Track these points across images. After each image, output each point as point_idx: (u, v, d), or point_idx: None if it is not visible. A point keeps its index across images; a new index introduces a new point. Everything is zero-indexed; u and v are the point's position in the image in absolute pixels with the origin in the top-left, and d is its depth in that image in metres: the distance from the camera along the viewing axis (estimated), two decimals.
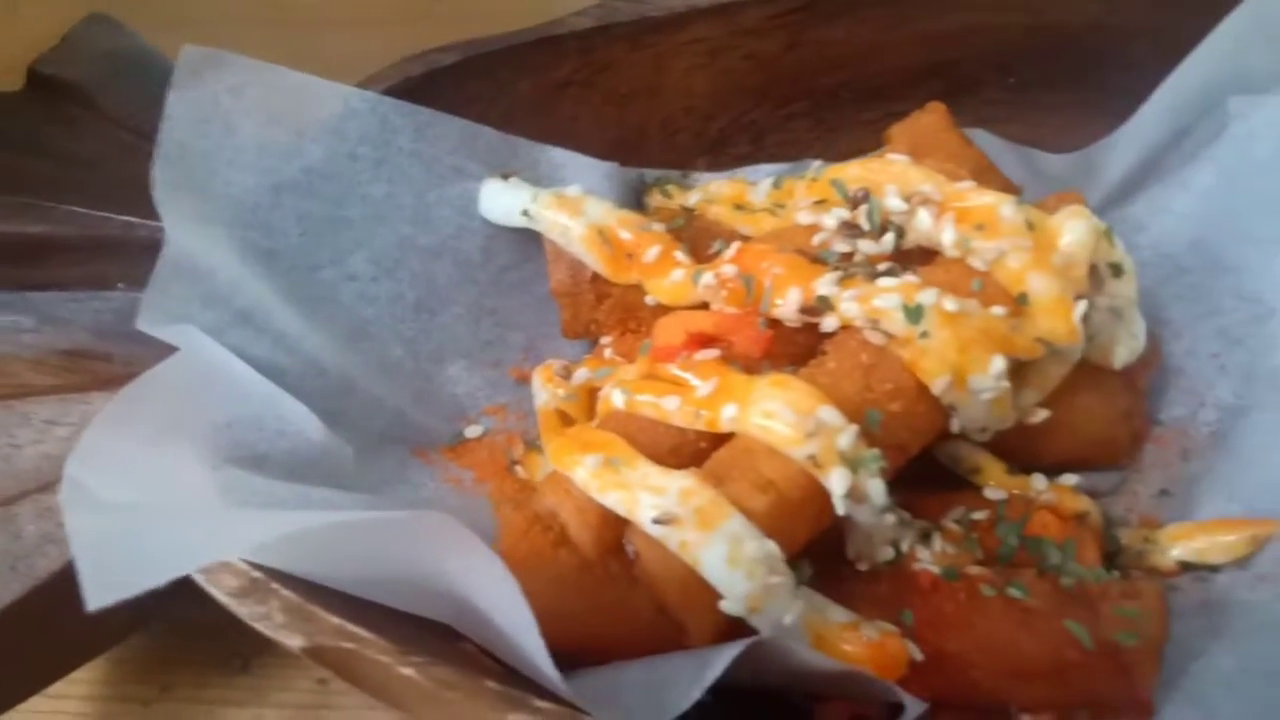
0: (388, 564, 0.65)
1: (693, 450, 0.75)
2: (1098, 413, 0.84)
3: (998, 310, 0.74)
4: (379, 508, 0.83)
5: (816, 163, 0.89)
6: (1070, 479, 0.85)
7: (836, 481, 0.68)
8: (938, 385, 0.73)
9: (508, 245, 0.98)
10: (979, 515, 0.82)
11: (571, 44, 0.93)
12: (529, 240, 0.97)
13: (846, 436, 0.69)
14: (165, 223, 0.81)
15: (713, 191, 0.95)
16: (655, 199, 1.01)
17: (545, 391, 0.92)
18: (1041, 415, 0.79)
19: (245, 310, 0.83)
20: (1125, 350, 0.81)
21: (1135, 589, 0.76)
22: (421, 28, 1.02)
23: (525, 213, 0.91)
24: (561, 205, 0.90)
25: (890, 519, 0.72)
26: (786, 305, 0.76)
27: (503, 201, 0.93)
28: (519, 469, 0.94)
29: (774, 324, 0.77)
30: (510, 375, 0.99)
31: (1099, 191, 0.96)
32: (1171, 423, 0.91)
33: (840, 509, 0.69)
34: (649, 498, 0.69)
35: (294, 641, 0.64)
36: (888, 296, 0.73)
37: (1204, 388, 0.90)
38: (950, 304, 0.73)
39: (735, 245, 0.81)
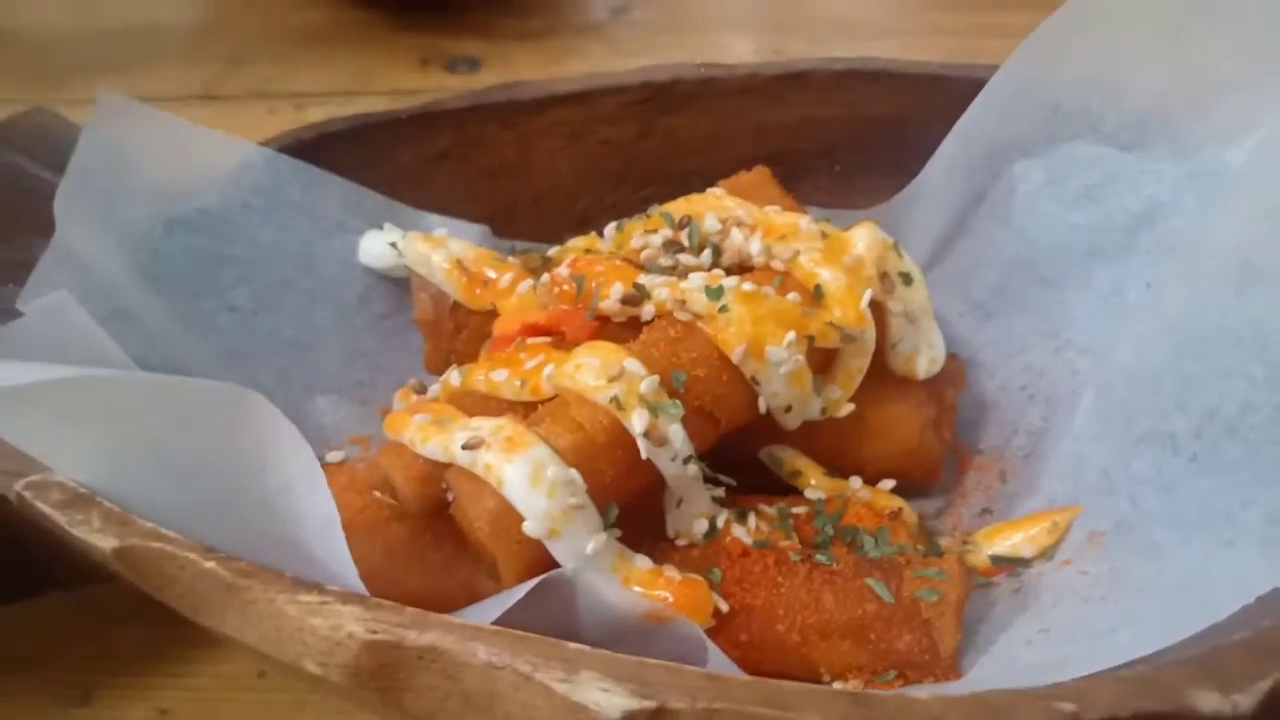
0: (203, 455, 0.67)
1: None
2: (907, 419, 0.90)
3: (793, 296, 0.83)
4: None
5: (653, 207, 1.00)
6: (887, 483, 0.90)
7: (636, 421, 0.74)
8: (736, 354, 0.80)
9: (384, 295, 1.07)
10: (799, 510, 0.86)
11: (447, 120, 1.07)
12: (404, 291, 1.06)
13: (648, 383, 0.76)
14: (58, 229, 0.90)
15: (569, 245, 1.05)
16: None
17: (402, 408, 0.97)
18: (847, 409, 0.86)
19: (122, 308, 0.90)
20: (926, 360, 0.90)
21: (936, 558, 0.80)
22: None
23: (393, 244, 1.00)
24: (427, 239, 1.00)
25: (693, 470, 0.77)
26: (610, 299, 0.84)
27: (377, 244, 1.03)
28: (376, 494, 0.97)
29: (601, 319, 0.85)
30: (378, 414, 1.04)
31: (920, 250, 1.08)
32: (990, 451, 0.98)
33: (642, 451, 0.75)
34: (464, 435, 0.74)
35: (107, 543, 0.67)
36: (694, 278, 0.82)
37: (1016, 417, 0.98)
38: (748, 286, 0.81)
39: (570, 257, 0.90)
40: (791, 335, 0.80)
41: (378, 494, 0.82)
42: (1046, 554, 0.85)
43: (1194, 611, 0.66)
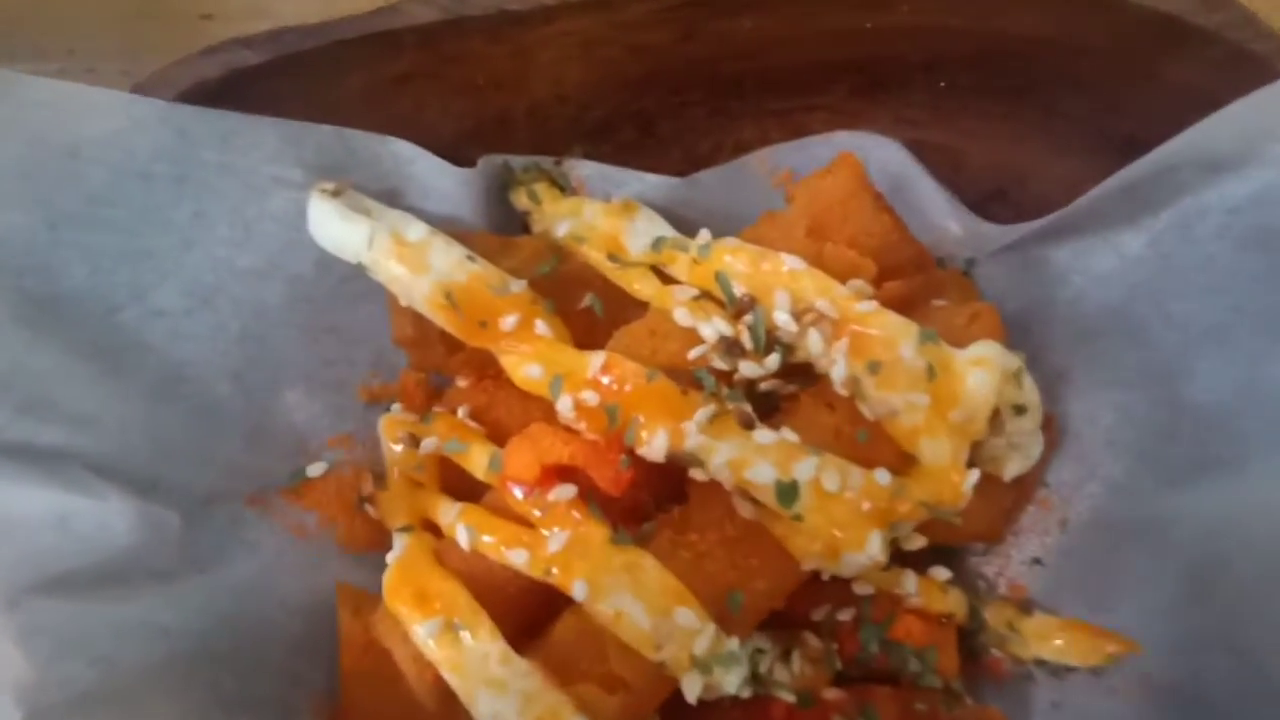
0: None
1: (541, 598, 0.69)
2: (979, 513, 0.79)
3: (882, 476, 0.67)
4: (210, 594, 0.77)
5: (703, 235, 0.75)
6: (942, 573, 0.82)
7: (689, 684, 0.64)
8: (808, 563, 0.67)
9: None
10: (844, 615, 0.79)
11: (410, 38, 0.75)
12: None
13: (703, 640, 0.64)
14: None
15: (586, 223, 0.81)
16: (522, 200, 0.86)
17: (392, 450, 0.82)
18: (919, 543, 0.75)
19: (26, 401, 0.71)
20: (1016, 467, 0.76)
21: (982, 716, 0.76)
22: None
23: (361, 265, 0.77)
24: (403, 256, 0.76)
25: (746, 692, 0.68)
26: (653, 447, 0.67)
27: (333, 233, 0.78)
28: (369, 508, 0.87)
29: (636, 458, 0.69)
30: (358, 398, 0.89)
31: (1020, 230, 0.85)
32: (1058, 487, 0.87)
33: (692, 701, 0.66)
34: (487, 697, 0.64)
35: None
36: (762, 468, 0.65)
37: (1095, 459, 0.86)
38: (829, 480, 0.65)
39: (600, 359, 0.70)
40: (878, 542, 0.67)
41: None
42: (1094, 670, 0.81)
43: None
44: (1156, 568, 0.79)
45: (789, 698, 0.74)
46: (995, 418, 0.70)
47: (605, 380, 0.69)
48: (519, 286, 0.76)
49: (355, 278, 0.85)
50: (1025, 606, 0.85)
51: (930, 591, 0.81)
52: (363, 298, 0.86)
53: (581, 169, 0.88)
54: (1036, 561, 0.88)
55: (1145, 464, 0.83)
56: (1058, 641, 0.82)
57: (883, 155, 0.86)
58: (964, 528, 0.81)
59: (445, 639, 0.66)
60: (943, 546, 0.85)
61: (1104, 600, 0.82)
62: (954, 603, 0.81)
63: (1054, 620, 0.83)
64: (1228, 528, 0.74)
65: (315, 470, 0.86)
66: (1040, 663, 0.83)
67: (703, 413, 0.67)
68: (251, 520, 0.83)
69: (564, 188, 0.87)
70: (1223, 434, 0.79)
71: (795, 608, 0.79)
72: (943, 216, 0.88)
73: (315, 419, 0.87)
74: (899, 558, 0.81)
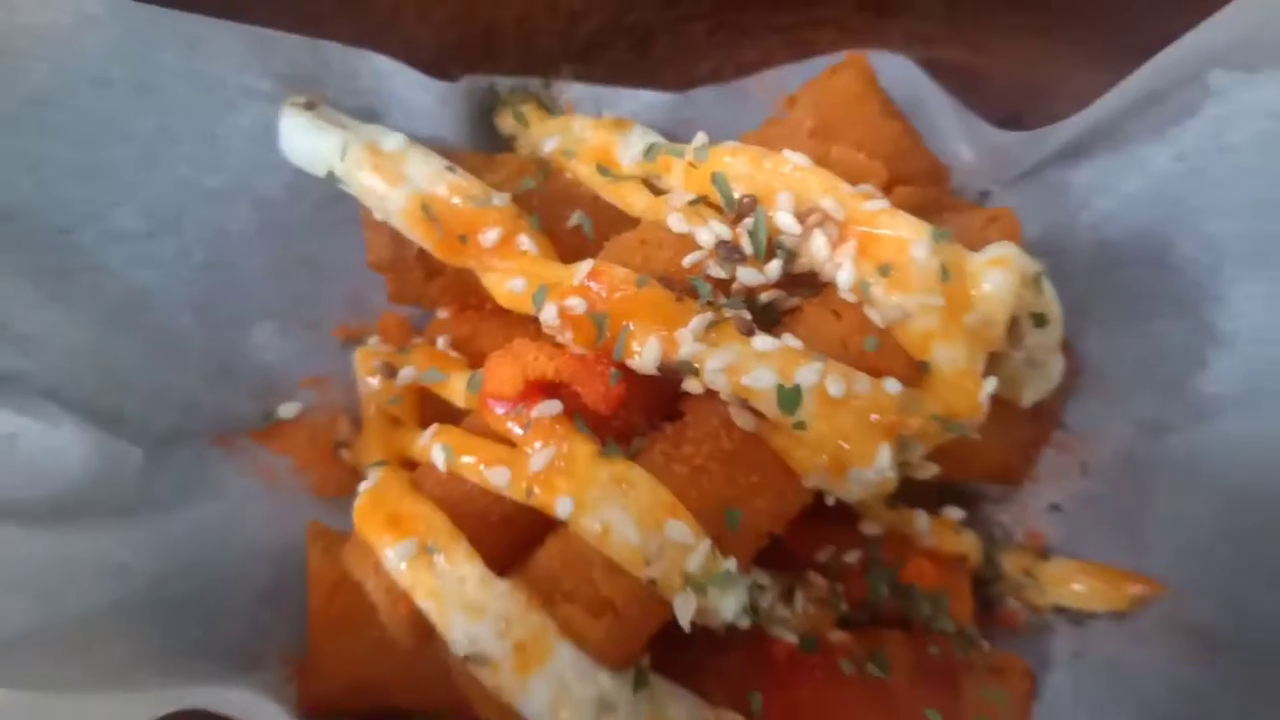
0: None
1: (524, 526, 0.63)
2: (995, 444, 0.73)
3: (892, 385, 0.61)
4: (171, 535, 0.71)
5: (700, 137, 0.70)
6: (955, 513, 0.76)
7: (681, 606, 0.59)
8: (811, 479, 0.61)
9: (322, 178, 0.79)
10: (850, 557, 0.74)
11: None
12: None
13: (697, 557, 0.58)
14: None
15: (575, 137, 0.76)
16: (508, 123, 0.82)
17: (366, 383, 0.77)
18: (930, 471, 0.69)
19: None
20: (1035, 392, 0.71)
21: (1002, 664, 0.71)
22: None
23: (332, 176, 0.72)
24: (377, 167, 0.71)
25: (745, 621, 0.62)
26: (644, 357, 0.62)
27: (305, 146, 0.74)
28: (344, 453, 0.81)
29: (627, 373, 0.63)
30: (334, 337, 0.84)
31: (1039, 151, 0.80)
32: (1078, 429, 0.82)
33: (685, 626, 0.60)
34: (463, 622, 0.58)
35: None
36: (762, 372, 0.60)
37: (1121, 397, 0.80)
38: (834, 386, 0.60)
39: (587, 266, 0.65)
40: (887, 455, 0.61)
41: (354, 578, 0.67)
42: (1117, 617, 0.75)
43: None
44: (1186, 506, 0.74)
45: (791, 638, 0.69)
46: (1014, 330, 0.65)
47: (594, 287, 0.64)
48: (502, 200, 0.71)
49: (331, 203, 0.80)
50: (1044, 554, 0.80)
51: (943, 532, 0.76)
52: (339, 227, 0.81)
53: (571, 91, 0.84)
54: (1055, 508, 0.83)
55: (1174, 398, 0.78)
56: (1077, 586, 0.77)
57: (894, 74, 0.81)
58: (981, 464, 0.76)
59: (419, 562, 0.61)
60: (957, 488, 0.81)
61: (1130, 544, 0.77)
62: (968, 544, 0.76)
63: (1073, 564, 0.78)
64: (1266, 458, 0.69)
65: (287, 412, 0.82)
66: (1059, 610, 0.78)
67: (699, 320, 0.62)
68: (218, 461, 0.79)
69: (552, 110, 0.82)
70: (1259, 361, 0.73)
71: (798, 548, 0.74)
72: (956, 141, 0.83)
73: (287, 358, 0.82)
74: (910, 497, 0.76)
